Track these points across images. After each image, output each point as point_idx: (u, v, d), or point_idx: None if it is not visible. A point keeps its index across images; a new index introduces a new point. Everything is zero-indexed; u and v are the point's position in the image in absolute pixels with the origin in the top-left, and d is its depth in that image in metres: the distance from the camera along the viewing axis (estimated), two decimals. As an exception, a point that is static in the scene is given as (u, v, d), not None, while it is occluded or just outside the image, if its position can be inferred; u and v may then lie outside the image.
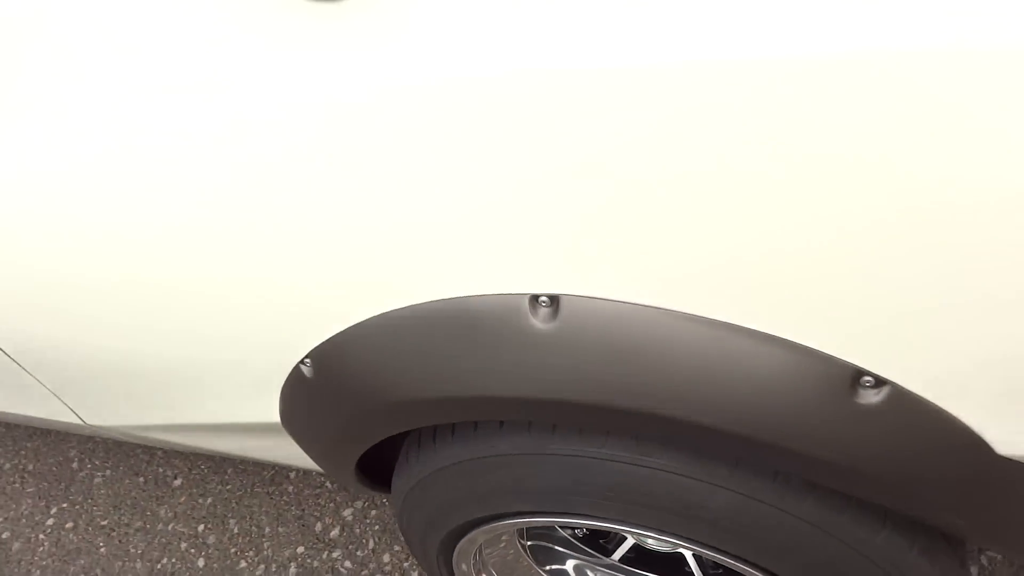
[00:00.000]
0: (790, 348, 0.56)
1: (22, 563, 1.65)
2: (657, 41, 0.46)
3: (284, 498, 1.67)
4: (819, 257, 0.51)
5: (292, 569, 1.53)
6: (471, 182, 0.55)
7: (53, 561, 1.64)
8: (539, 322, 0.61)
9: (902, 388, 0.56)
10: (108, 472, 1.81)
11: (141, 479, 1.78)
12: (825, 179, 0.47)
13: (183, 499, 1.71)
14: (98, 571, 1.61)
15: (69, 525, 1.71)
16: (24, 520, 1.74)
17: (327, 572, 1.51)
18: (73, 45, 0.60)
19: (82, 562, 1.63)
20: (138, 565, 1.60)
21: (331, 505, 1.63)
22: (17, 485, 1.83)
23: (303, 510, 1.63)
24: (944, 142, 0.43)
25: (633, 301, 0.58)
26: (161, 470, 1.78)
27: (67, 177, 0.68)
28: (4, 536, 1.71)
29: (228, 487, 1.71)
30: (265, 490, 1.69)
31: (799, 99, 0.45)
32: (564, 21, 0.47)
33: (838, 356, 0.56)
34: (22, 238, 0.77)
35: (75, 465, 1.84)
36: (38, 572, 1.63)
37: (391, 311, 0.67)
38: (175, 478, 1.76)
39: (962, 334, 0.51)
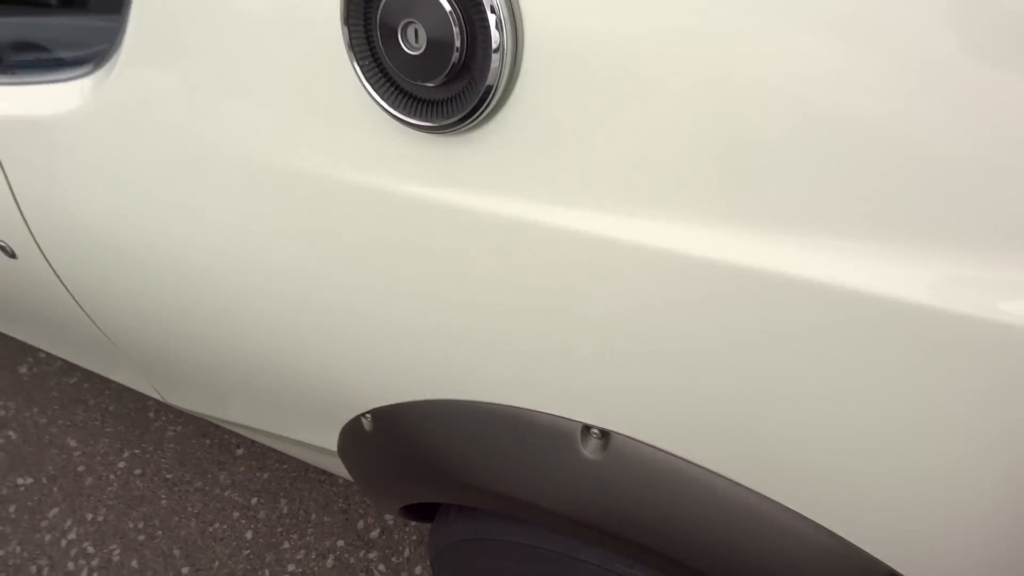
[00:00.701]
0: (827, 535, 0.57)
1: (91, 499, 1.78)
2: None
3: (334, 488, 1.74)
4: (861, 459, 0.52)
5: (330, 560, 1.60)
6: (553, 319, 0.59)
7: (119, 503, 1.77)
8: (588, 451, 0.63)
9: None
10: (179, 428, 1.93)
11: (207, 441, 1.88)
12: (866, 395, 0.48)
13: (242, 469, 1.81)
14: (156, 522, 1.72)
15: (138, 471, 1.83)
16: (99, 458, 1.87)
17: (362, 571, 1.58)
18: None
19: (144, 510, 1.75)
20: (192, 524, 1.71)
21: (376, 505, 1.70)
22: (98, 423, 1.96)
23: (349, 504, 1.70)
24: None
25: (681, 455, 0.60)
26: (226, 437, 1.89)
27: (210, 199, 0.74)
28: (80, 469, 1.85)
29: (284, 466, 1.80)
30: (318, 477, 1.77)
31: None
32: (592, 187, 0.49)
33: (871, 552, 0.56)
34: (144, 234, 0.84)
35: (151, 415, 1.97)
36: (104, 510, 1.76)
37: (454, 399, 0.71)
38: (238, 447, 1.86)
39: (989, 558, 0.52)
